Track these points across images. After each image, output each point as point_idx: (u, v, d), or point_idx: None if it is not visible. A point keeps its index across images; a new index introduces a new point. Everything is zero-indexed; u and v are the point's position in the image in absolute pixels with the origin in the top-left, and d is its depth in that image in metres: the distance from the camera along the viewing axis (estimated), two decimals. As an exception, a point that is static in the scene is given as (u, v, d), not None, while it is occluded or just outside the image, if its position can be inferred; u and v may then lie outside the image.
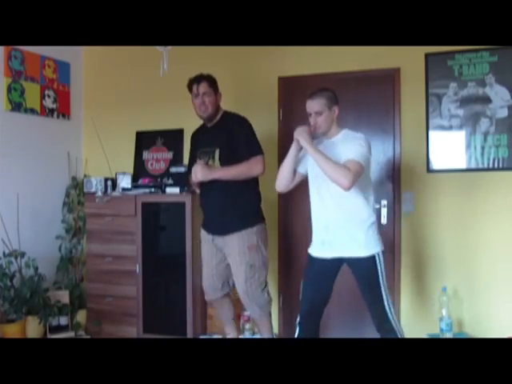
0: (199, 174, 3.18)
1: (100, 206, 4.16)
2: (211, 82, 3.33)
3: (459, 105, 3.65)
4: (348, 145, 2.77)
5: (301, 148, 2.82)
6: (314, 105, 2.81)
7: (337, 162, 2.67)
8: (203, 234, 3.44)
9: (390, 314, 2.76)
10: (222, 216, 3.27)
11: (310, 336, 2.90)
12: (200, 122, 3.53)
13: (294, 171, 2.91)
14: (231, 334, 3.57)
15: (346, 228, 2.78)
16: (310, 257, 2.93)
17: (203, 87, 3.28)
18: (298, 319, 2.91)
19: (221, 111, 3.38)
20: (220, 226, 3.29)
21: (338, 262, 2.85)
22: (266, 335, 3.38)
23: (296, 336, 2.93)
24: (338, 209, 2.79)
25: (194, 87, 3.31)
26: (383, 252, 2.81)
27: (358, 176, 2.66)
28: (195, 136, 3.55)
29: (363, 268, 2.78)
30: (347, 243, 2.79)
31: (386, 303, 2.76)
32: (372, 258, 2.76)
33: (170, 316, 4.03)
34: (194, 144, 3.50)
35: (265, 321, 3.37)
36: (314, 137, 2.81)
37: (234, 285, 3.42)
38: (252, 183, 3.29)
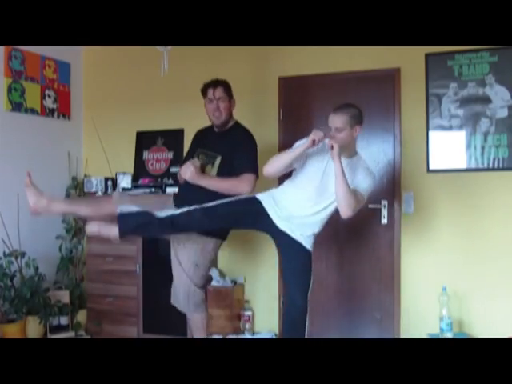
0: (188, 174, 3.12)
1: (100, 205, 4.15)
2: (227, 87, 3.25)
3: (459, 105, 3.65)
4: (360, 176, 2.78)
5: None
6: (336, 120, 2.72)
7: (351, 190, 2.67)
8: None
9: (306, 315, 2.81)
10: None
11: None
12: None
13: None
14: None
15: (305, 228, 2.84)
16: (255, 198, 2.91)
17: (219, 92, 3.20)
18: (182, 211, 2.89)
19: (232, 120, 3.31)
20: None
21: (274, 229, 2.87)
22: (199, 333, 3.34)
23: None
24: (309, 212, 2.82)
25: (210, 92, 3.23)
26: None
27: (357, 210, 2.74)
28: (201, 134, 3.47)
29: (304, 258, 2.84)
30: (297, 230, 2.83)
31: (306, 302, 2.81)
32: (310, 254, 2.84)
33: (170, 316, 4.03)
34: (196, 142, 3.45)
35: (198, 318, 3.33)
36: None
37: None
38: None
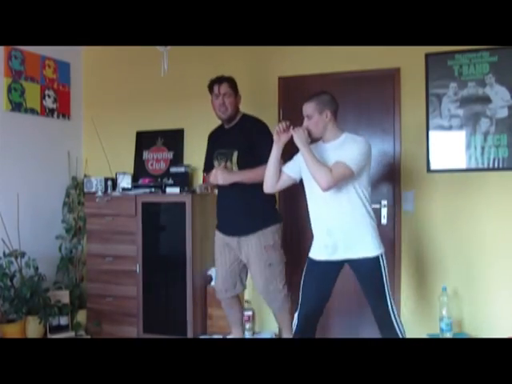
0: (220, 178, 3.24)
1: (100, 205, 4.15)
2: (232, 83, 3.36)
3: (459, 105, 3.65)
4: (345, 148, 2.77)
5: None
6: (305, 108, 2.84)
7: (323, 164, 2.70)
8: (217, 234, 3.48)
9: (392, 316, 2.77)
10: (239, 217, 3.30)
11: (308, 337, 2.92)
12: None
13: (280, 171, 2.94)
14: (236, 336, 3.58)
15: (349, 231, 2.78)
16: (311, 260, 2.92)
17: (224, 88, 3.31)
18: (296, 323, 2.92)
19: (240, 114, 3.40)
20: (237, 228, 3.32)
21: (340, 265, 2.86)
22: (286, 329, 3.40)
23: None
24: (337, 212, 2.79)
25: (215, 88, 3.32)
26: (384, 253, 2.82)
27: (341, 179, 2.70)
28: (213, 136, 3.56)
29: (368, 268, 2.78)
30: (352, 245, 2.79)
31: (389, 304, 2.77)
32: (377, 259, 2.77)
33: (170, 316, 4.03)
34: (212, 144, 3.53)
35: (284, 315, 3.41)
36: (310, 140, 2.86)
37: (242, 286, 3.52)
38: None
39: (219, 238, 3.46)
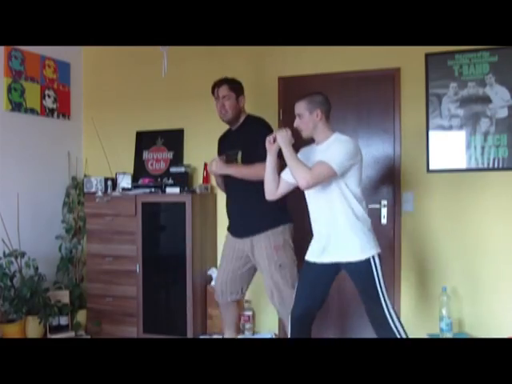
0: (214, 166, 3.27)
1: (100, 205, 4.16)
2: (232, 85, 3.31)
3: (459, 105, 3.65)
4: (331, 149, 2.76)
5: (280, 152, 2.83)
6: (296, 107, 2.85)
7: (302, 163, 2.71)
8: (228, 236, 3.43)
9: (389, 319, 2.71)
10: (247, 217, 3.28)
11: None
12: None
13: (279, 177, 2.92)
14: (229, 336, 3.55)
15: (336, 234, 2.78)
16: (307, 263, 2.90)
17: (223, 91, 3.29)
18: (290, 322, 2.91)
19: (244, 114, 3.37)
20: (247, 228, 3.27)
21: (333, 268, 2.84)
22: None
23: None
24: (325, 215, 2.80)
25: (215, 90, 3.32)
26: (379, 255, 2.77)
27: (321, 178, 2.68)
28: (221, 140, 3.56)
29: (359, 272, 2.76)
30: (339, 248, 2.78)
31: (384, 307, 2.71)
32: (367, 262, 2.72)
33: (170, 316, 4.03)
34: (220, 148, 3.53)
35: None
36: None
37: (244, 292, 3.48)
38: None
39: (230, 240, 3.40)
